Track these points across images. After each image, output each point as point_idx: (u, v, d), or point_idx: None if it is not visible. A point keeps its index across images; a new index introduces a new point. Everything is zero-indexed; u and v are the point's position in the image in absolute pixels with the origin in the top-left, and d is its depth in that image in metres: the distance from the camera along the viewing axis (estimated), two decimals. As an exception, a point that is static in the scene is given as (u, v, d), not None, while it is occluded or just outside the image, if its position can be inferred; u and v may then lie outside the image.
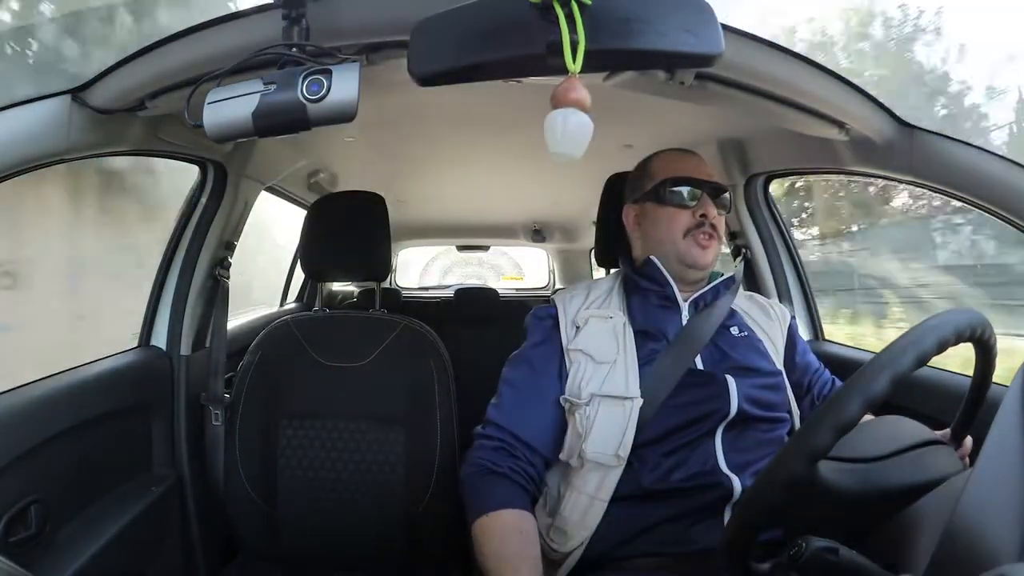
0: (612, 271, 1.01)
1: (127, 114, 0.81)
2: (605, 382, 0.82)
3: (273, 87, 0.52)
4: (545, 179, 1.87)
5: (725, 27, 0.51)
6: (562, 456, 0.83)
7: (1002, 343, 0.57)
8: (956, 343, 0.51)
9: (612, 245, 1.06)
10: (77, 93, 0.76)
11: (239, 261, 1.33)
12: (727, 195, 0.92)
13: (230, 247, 1.30)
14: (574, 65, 0.47)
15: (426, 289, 3.73)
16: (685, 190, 0.89)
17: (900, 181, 0.94)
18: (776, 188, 1.40)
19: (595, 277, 1.05)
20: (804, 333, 1.34)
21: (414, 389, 1.11)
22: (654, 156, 0.96)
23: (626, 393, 0.80)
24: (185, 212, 1.24)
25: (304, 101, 0.52)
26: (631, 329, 0.87)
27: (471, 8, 0.49)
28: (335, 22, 0.60)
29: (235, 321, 1.60)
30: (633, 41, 0.48)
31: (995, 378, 0.60)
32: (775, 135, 1.13)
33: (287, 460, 1.11)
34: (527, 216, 2.70)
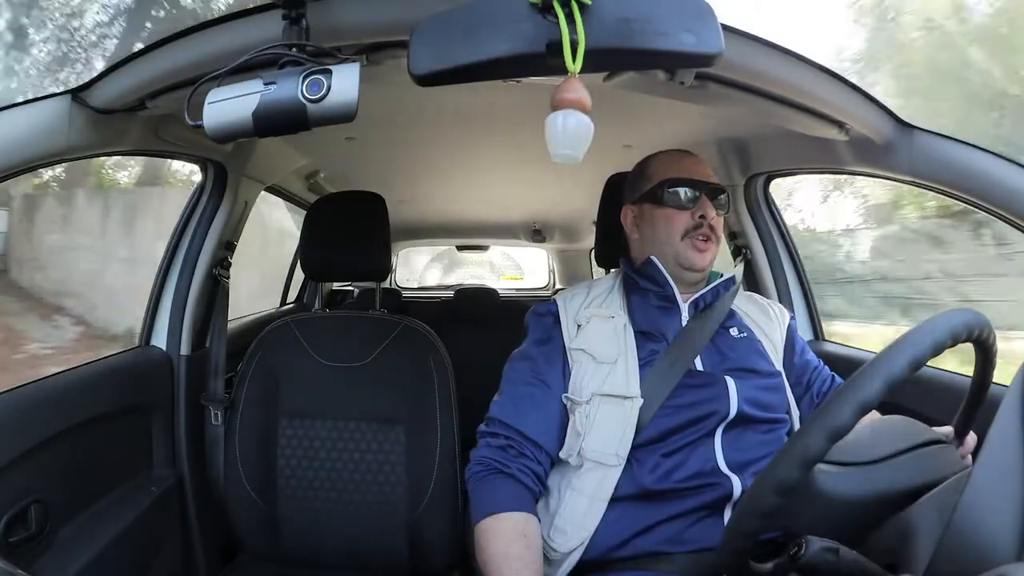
0: (612, 271, 1.01)
1: (127, 114, 0.81)
2: (606, 381, 0.82)
3: (273, 87, 0.52)
4: (545, 179, 1.87)
5: (725, 27, 0.51)
6: (561, 454, 0.83)
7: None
8: (953, 344, 0.51)
9: (612, 245, 1.06)
10: (77, 93, 0.76)
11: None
12: (725, 196, 0.92)
13: (230, 247, 1.30)
14: (574, 65, 0.47)
15: (426, 289, 3.73)
16: (683, 191, 0.89)
17: (900, 181, 0.94)
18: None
19: (595, 277, 1.05)
20: (804, 333, 1.34)
21: (414, 389, 1.11)
22: (652, 157, 0.96)
23: (626, 393, 0.80)
24: (185, 212, 1.24)
25: (304, 101, 0.51)
26: (632, 329, 0.87)
27: (471, 8, 0.49)
28: (335, 22, 0.60)
29: (235, 321, 1.60)
30: (633, 41, 0.48)
31: (995, 378, 0.61)
32: (775, 135, 1.13)
33: (287, 460, 1.11)
34: (527, 216, 2.70)
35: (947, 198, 0.90)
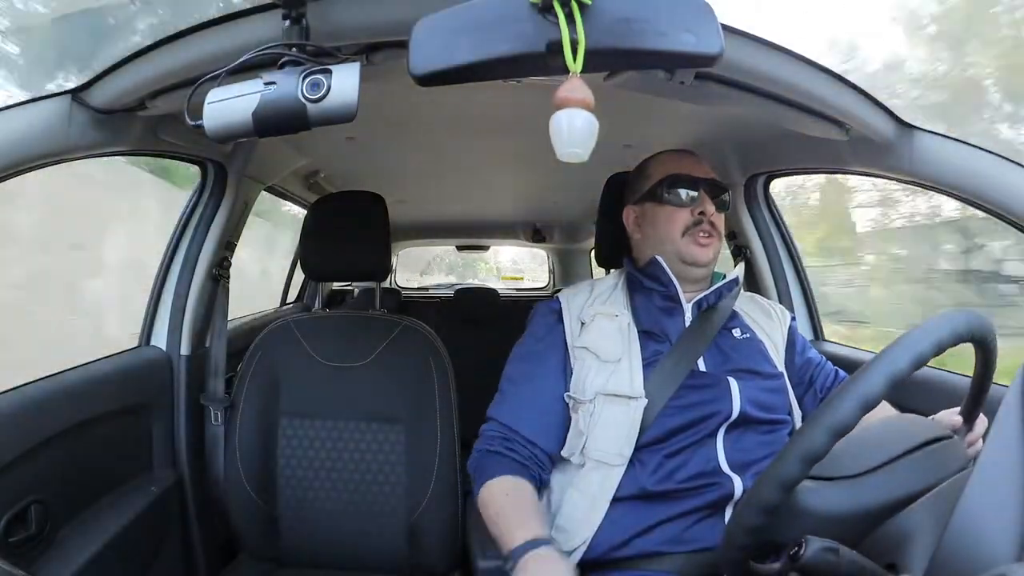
0: (615, 270, 1.01)
1: (127, 114, 0.81)
2: (610, 381, 0.82)
3: (273, 87, 0.52)
4: (545, 179, 1.87)
5: (725, 27, 0.51)
6: (563, 453, 0.83)
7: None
8: (954, 344, 0.51)
9: (613, 245, 1.06)
10: (77, 93, 0.76)
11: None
12: (726, 194, 0.92)
13: (230, 247, 1.30)
14: (575, 65, 0.47)
15: (426, 289, 3.73)
16: (683, 189, 0.89)
17: (900, 181, 0.94)
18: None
19: (595, 277, 1.05)
20: (805, 333, 1.33)
21: (414, 389, 1.11)
22: (652, 157, 0.97)
23: (631, 392, 0.80)
24: (185, 212, 1.24)
25: (304, 101, 0.51)
26: (635, 329, 0.87)
27: (471, 8, 0.49)
28: (335, 22, 0.60)
29: (235, 321, 1.60)
30: (633, 41, 0.48)
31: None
32: (775, 135, 1.13)
33: (287, 460, 1.11)
34: (527, 216, 2.70)
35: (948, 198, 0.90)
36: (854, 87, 0.80)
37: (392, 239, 1.26)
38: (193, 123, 0.55)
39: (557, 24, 0.46)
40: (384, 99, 1.09)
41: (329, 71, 0.52)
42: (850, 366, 0.98)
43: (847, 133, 0.90)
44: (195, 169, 1.23)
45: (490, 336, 2.29)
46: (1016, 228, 0.81)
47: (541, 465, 0.84)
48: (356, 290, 2.77)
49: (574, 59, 0.46)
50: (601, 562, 0.79)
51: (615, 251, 1.06)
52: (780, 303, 1.24)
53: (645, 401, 0.80)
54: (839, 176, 0.85)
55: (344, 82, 0.51)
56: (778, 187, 1.36)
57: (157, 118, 0.86)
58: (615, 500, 0.78)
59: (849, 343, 1.35)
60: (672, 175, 0.90)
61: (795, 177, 1.21)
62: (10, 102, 0.72)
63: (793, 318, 1.01)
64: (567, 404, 0.85)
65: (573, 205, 2.31)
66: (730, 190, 0.97)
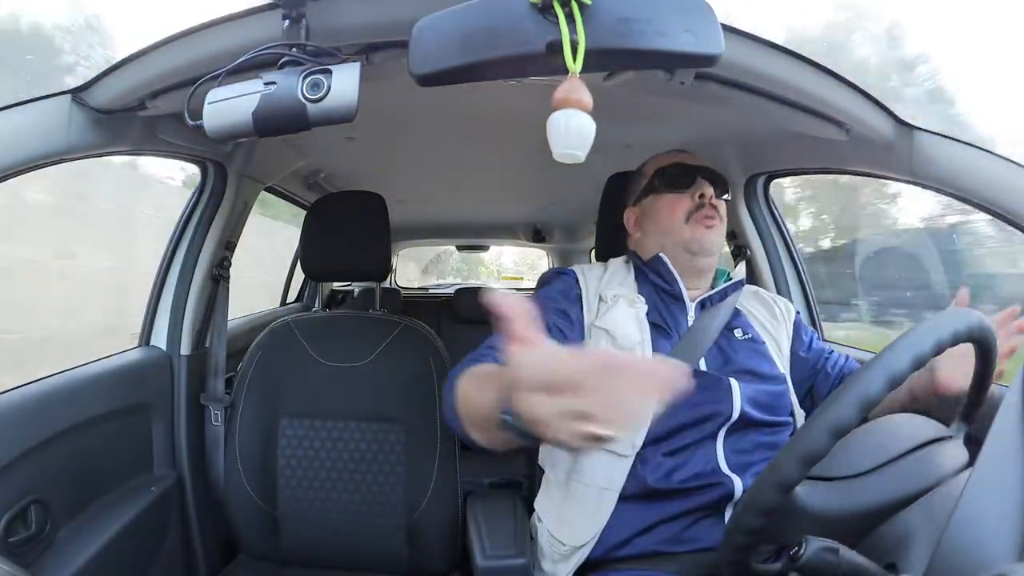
0: (623, 256, 0.99)
1: (127, 114, 0.81)
2: None
3: (273, 87, 0.52)
4: (545, 179, 1.87)
5: (725, 27, 0.51)
6: None
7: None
8: (954, 344, 0.51)
9: (613, 245, 1.06)
10: (77, 93, 0.76)
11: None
12: (724, 181, 0.92)
13: (230, 247, 1.30)
14: (574, 65, 0.47)
15: (426, 289, 3.73)
16: (678, 173, 0.90)
17: (900, 181, 0.94)
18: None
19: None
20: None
21: (414, 389, 1.11)
22: (647, 160, 0.98)
23: None
24: (185, 212, 1.24)
25: (304, 101, 0.52)
26: (648, 320, 0.86)
27: (471, 8, 0.49)
28: (335, 22, 0.60)
29: (235, 321, 1.60)
30: (633, 41, 0.48)
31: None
32: (775, 135, 1.13)
33: (287, 460, 1.11)
34: (527, 216, 2.70)
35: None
36: (854, 87, 0.80)
37: (392, 239, 1.26)
38: (193, 123, 0.55)
39: (557, 24, 0.46)
40: (384, 99, 1.09)
41: (329, 71, 0.52)
42: None
43: (847, 133, 0.89)
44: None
45: (490, 336, 2.29)
46: (1017, 228, 0.81)
47: None
48: (356, 290, 2.77)
49: (574, 59, 0.46)
50: (601, 562, 0.79)
51: (615, 251, 1.06)
52: None
53: None
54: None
55: (344, 82, 0.51)
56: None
57: (157, 118, 0.86)
58: (618, 498, 0.78)
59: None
60: (665, 166, 0.91)
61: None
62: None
63: (798, 312, 1.00)
64: None
65: (573, 205, 2.31)
66: (726, 178, 0.96)
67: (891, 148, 0.89)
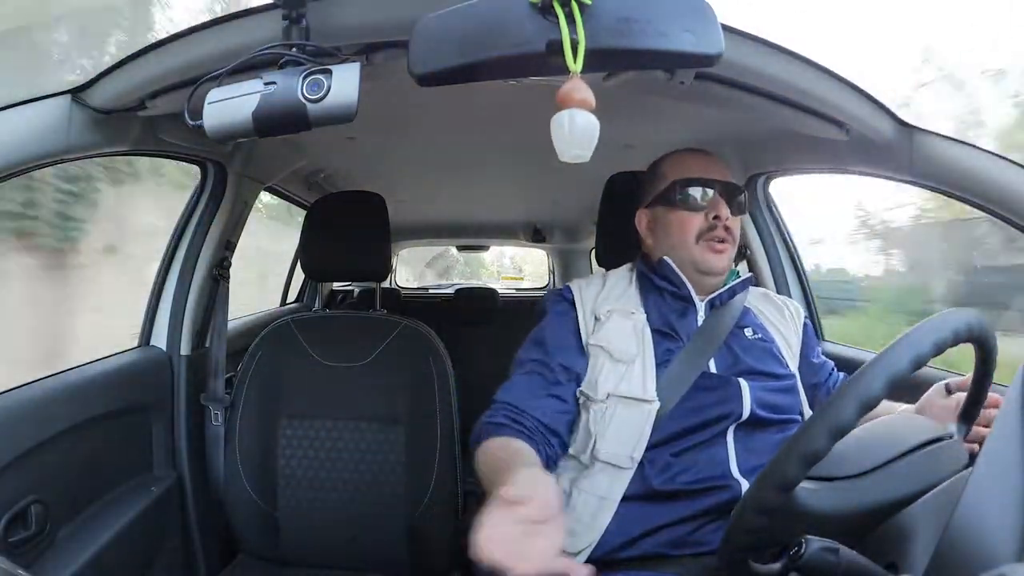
0: (627, 264, 0.99)
1: (127, 114, 0.81)
2: (622, 382, 0.80)
3: (273, 87, 0.52)
4: (545, 179, 1.87)
5: (725, 27, 0.51)
6: (572, 451, 0.82)
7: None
8: (954, 344, 0.51)
9: (613, 246, 1.06)
10: (77, 93, 0.76)
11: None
12: (743, 196, 0.89)
13: (230, 247, 1.30)
14: (575, 65, 0.47)
15: (426, 289, 3.73)
16: (696, 191, 0.86)
17: (900, 181, 0.94)
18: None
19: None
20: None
21: (414, 389, 1.11)
22: (665, 157, 0.94)
23: (643, 396, 0.79)
24: (185, 212, 1.24)
25: (304, 101, 0.51)
26: (649, 328, 0.85)
27: (471, 8, 0.49)
28: (335, 22, 0.60)
29: (235, 321, 1.60)
30: (633, 41, 0.48)
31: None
32: (775, 135, 1.13)
33: (287, 460, 1.11)
34: (527, 216, 2.70)
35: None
36: (854, 87, 0.80)
37: (392, 239, 1.26)
38: (193, 123, 0.55)
39: (557, 24, 0.46)
40: (384, 99, 1.09)
41: (329, 71, 0.52)
42: (850, 366, 0.98)
43: (847, 133, 0.89)
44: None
45: (490, 336, 2.29)
46: (1016, 228, 0.81)
47: (550, 444, 0.79)
48: (356, 290, 2.77)
49: (574, 59, 0.46)
50: (606, 562, 0.78)
51: (615, 252, 1.05)
52: None
53: (658, 404, 0.78)
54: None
55: (344, 82, 0.51)
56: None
57: (157, 118, 0.86)
58: (622, 500, 0.77)
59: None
60: (685, 176, 0.87)
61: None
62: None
63: (806, 316, 0.99)
64: (578, 400, 0.83)
65: (573, 205, 2.31)
66: (746, 191, 0.94)
67: (891, 148, 0.89)
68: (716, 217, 0.85)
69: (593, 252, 2.41)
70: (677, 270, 0.88)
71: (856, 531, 0.50)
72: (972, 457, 0.58)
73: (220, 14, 0.65)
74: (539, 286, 3.64)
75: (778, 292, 1.33)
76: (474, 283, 3.80)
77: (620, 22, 0.47)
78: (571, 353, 0.85)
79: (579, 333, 0.86)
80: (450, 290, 2.91)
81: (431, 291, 3.51)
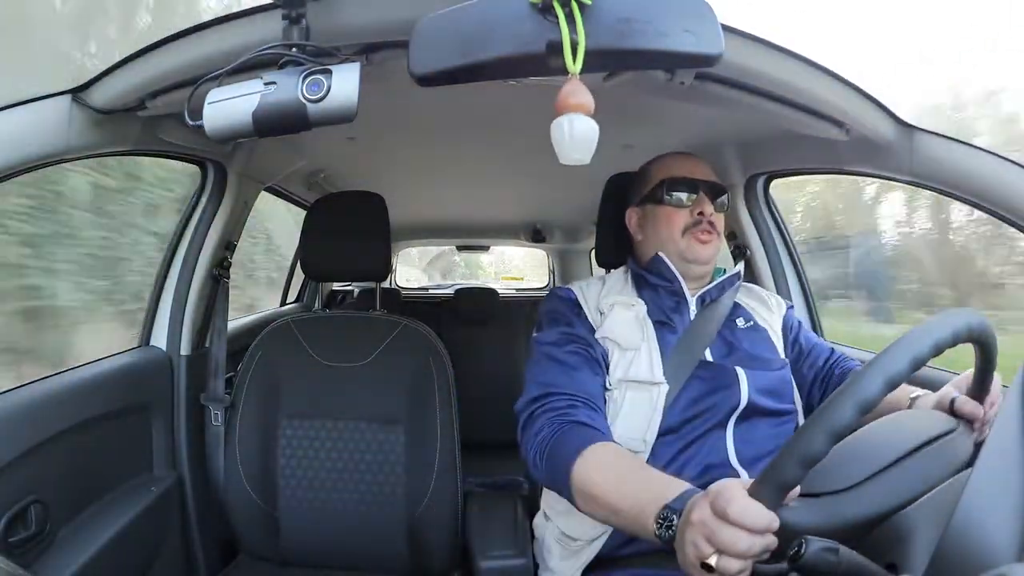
0: (622, 267, 1.02)
1: (127, 114, 0.81)
2: (631, 367, 0.83)
3: (273, 87, 0.52)
4: (545, 179, 1.87)
5: (725, 27, 0.51)
6: None
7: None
8: (953, 344, 0.51)
9: (613, 246, 1.06)
10: (77, 93, 0.76)
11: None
12: (725, 196, 0.94)
13: (230, 247, 1.30)
14: (574, 66, 0.47)
15: (426, 289, 3.73)
16: (683, 190, 0.91)
17: (900, 181, 0.94)
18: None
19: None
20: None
21: (414, 389, 1.11)
22: (654, 160, 0.99)
23: (652, 379, 0.81)
24: (185, 212, 1.24)
25: (304, 101, 0.51)
26: (650, 319, 0.88)
27: (471, 8, 0.49)
28: (335, 22, 0.60)
29: (235, 321, 1.60)
30: (633, 41, 0.48)
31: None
32: (775, 135, 1.13)
33: (287, 460, 1.11)
34: (527, 216, 2.70)
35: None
36: (854, 87, 0.80)
37: (392, 239, 1.26)
38: (193, 123, 0.55)
39: (557, 24, 0.46)
40: (384, 99, 1.09)
41: (329, 71, 0.52)
42: None
43: (847, 133, 0.90)
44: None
45: (490, 336, 2.29)
46: (1016, 228, 0.81)
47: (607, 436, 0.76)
48: (356, 290, 2.77)
49: (574, 60, 0.46)
50: (610, 559, 0.79)
51: (615, 252, 1.06)
52: None
53: (667, 387, 0.81)
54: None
55: (344, 82, 0.51)
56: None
57: (157, 118, 0.86)
58: None
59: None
60: (671, 177, 0.92)
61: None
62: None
63: (790, 306, 1.02)
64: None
65: (573, 205, 2.31)
66: (729, 191, 0.99)
67: (891, 148, 0.89)
68: (700, 213, 0.90)
69: (593, 252, 2.41)
70: (670, 264, 0.91)
71: (849, 540, 0.50)
72: (974, 453, 0.58)
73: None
74: (539, 286, 3.64)
75: (778, 292, 1.33)
76: (474, 283, 3.80)
77: (620, 22, 0.47)
78: (592, 341, 0.87)
79: (590, 324, 0.89)
80: (450, 290, 2.91)
81: (431, 291, 3.51)
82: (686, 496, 0.56)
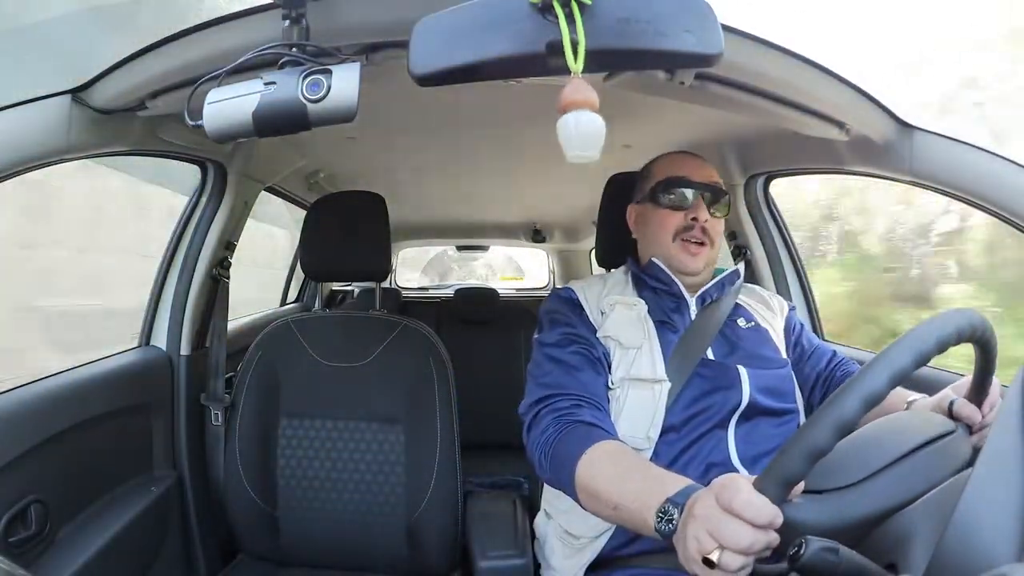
0: (623, 267, 1.01)
1: (127, 114, 0.81)
2: (633, 366, 0.83)
3: (273, 87, 0.52)
4: (545, 179, 1.87)
5: (725, 27, 0.51)
6: None
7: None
8: (957, 343, 0.51)
9: (613, 245, 1.06)
10: (77, 93, 0.76)
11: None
12: (726, 198, 0.93)
13: (230, 247, 1.30)
14: (576, 65, 0.46)
15: (426, 289, 3.73)
16: (679, 192, 0.90)
17: (900, 181, 0.94)
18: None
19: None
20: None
21: (414, 389, 1.11)
22: (658, 157, 0.98)
23: (654, 376, 0.81)
24: (185, 212, 1.24)
25: (304, 101, 0.51)
26: (651, 318, 0.88)
27: (471, 8, 0.49)
28: (335, 22, 0.60)
29: (235, 321, 1.60)
30: (633, 41, 0.48)
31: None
32: (775, 135, 1.13)
33: (287, 460, 1.11)
34: (527, 216, 2.70)
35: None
36: (854, 87, 0.80)
37: (392, 239, 1.26)
38: (193, 123, 0.55)
39: (557, 24, 0.46)
40: (384, 99, 1.09)
41: (329, 71, 0.52)
42: None
43: (847, 133, 0.90)
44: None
45: (490, 336, 2.29)
46: (1016, 228, 0.81)
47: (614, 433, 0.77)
48: (356, 290, 2.77)
49: (575, 59, 0.46)
50: (612, 558, 0.79)
51: (615, 251, 1.06)
52: None
53: (669, 384, 0.81)
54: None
55: (344, 82, 0.51)
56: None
57: (157, 118, 0.86)
58: None
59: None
60: (669, 178, 0.91)
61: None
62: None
63: (792, 307, 1.02)
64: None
65: (573, 205, 2.31)
66: (730, 194, 0.98)
67: (891, 148, 0.89)
68: (695, 218, 0.89)
69: (593, 252, 2.41)
70: (665, 269, 0.91)
71: (849, 541, 0.50)
72: (974, 454, 0.58)
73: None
74: (539, 286, 3.64)
75: (778, 292, 1.33)
76: (474, 283, 3.80)
77: (620, 22, 0.47)
78: (595, 341, 0.87)
79: (591, 325, 0.89)
80: (450, 290, 2.91)
81: (431, 291, 3.51)
82: (688, 491, 0.56)
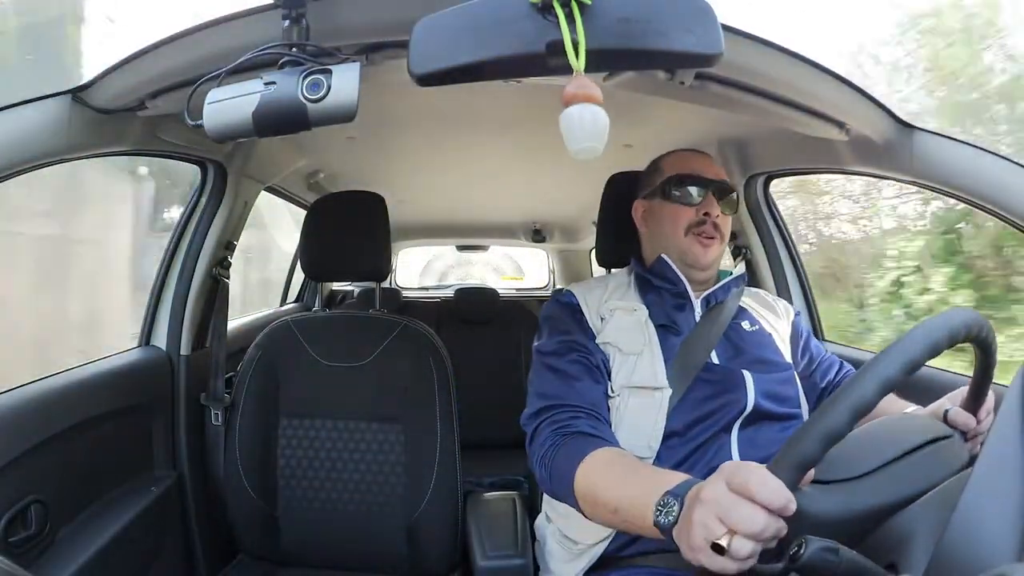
0: (625, 268, 1.01)
1: (127, 114, 0.81)
2: (634, 373, 0.82)
3: (273, 87, 0.52)
4: (545, 179, 1.87)
5: (725, 27, 0.51)
6: None
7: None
8: (950, 345, 0.51)
9: (613, 245, 1.06)
10: (77, 93, 0.76)
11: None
12: (733, 195, 0.93)
13: (230, 247, 1.30)
14: (578, 63, 0.46)
15: (426, 289, 3.73)
16: (690, 187, 0.90)
17: (900, 181, 0.94)
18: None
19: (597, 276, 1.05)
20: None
21: (414, 389, 1.11)
22: (666, 154, 0.98)
23: (655, 384, 0.81)
24: (185, 212, 1.24)
25: (304, 101, 0.51)
26: (652, 323, 0.87)
27: (471, 8, 0.49)
28: (335, 22, 0.60)
29: (235, 321, 1.60)
30: (633, 41, 0.48)
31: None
32: (775, 135, 1.13)
33: (287, 460, 1.11)
34: (527, 216, 2.70)
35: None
36: (854, 87, 0.80)
37: (392, 239, 1.26)
38: (193, 123, 0.55)
39: (557, 24, 0.46)
40: (384, 99, 1.09)
41: (329, 71, 0.52)
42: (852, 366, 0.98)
43: (847, 133, 0.90)
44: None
45: (490, 336, 2.29)
46: (1016, 228, 0.81)
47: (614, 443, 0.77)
48: (356, 290, 2.77)
49: (576, 57, 0.46)
50: (613, 558, 0.79)
51: (616, 251, 1.06)
52: None
53: (670, 391, 0.80)
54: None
55: (344, 82, 0.51)
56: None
57: (157, 118, 0.86)
58: None
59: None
60: (681, 174, 0.91)
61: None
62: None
63: (797, 312, 1.02)
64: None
65: (573, 205, 2.31)
66: (737, 191, 0.97)
67: (891, 148, 0.89)
68: (706, 213, 0.89)
69: (593, 252, 2.41)
70: (674, 267, 0.90)
71: (856, 533, 0.50)
72: (972, 457, 0.58)
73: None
74: (539, 286, 3.64)
75: (778, 292, 1.33)
76: (474, 283, 3.80)
77: (620, 22, 0.47)
78: (594, 348, 0.86)
79: (591, 331, 0.88)
80: (450, 290, 2.91)
81: (431, 291, 3.51)
82: (689, 483, 0.55)
